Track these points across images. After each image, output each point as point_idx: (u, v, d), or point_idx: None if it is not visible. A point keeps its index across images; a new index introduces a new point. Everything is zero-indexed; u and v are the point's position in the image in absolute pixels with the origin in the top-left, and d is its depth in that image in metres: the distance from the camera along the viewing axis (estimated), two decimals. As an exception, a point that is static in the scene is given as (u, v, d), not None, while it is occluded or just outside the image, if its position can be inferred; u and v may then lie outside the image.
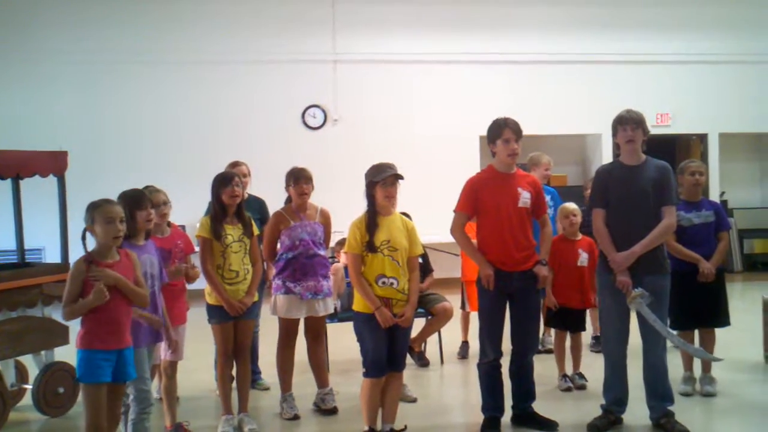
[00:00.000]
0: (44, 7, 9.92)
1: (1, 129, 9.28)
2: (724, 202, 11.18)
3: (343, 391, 5.21)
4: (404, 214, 4.49)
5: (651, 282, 4.33)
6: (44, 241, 8.37)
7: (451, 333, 6.39)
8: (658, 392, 4.44)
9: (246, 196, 5.06)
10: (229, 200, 4.56)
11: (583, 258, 5.38)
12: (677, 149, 11.92)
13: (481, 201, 4.43)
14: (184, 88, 10.18)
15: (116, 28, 9.96)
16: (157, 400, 4.52)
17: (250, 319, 4.72)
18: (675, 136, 11.58)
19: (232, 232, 4.57)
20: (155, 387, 4.43)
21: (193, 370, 5.52)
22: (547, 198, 5.58)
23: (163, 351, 4.39)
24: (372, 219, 4.19)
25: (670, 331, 4.44)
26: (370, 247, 4.14)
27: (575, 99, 10.81)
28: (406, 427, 4.36)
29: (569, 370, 5.47)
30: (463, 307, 6.41)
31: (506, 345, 4.50)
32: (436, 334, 6.15)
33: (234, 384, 4.79)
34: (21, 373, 5.22)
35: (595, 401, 4.73)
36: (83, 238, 3.53)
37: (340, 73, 10.48)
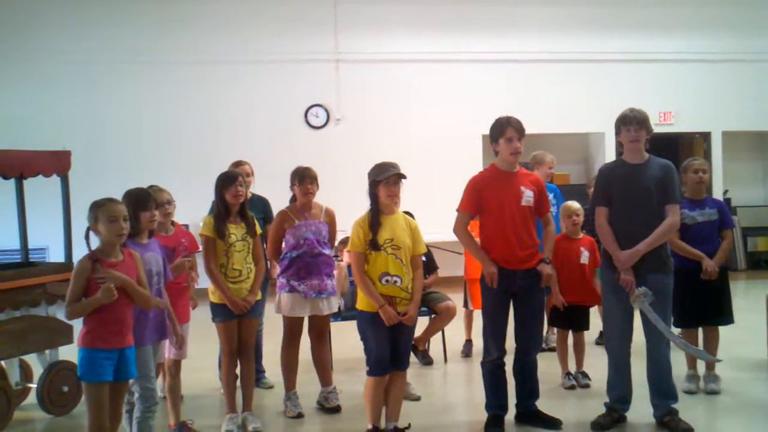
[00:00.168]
0: (44, 7, 9.93)
1: (2, 129, 9.30)
2: (728, 201, 11.18)
3: (347, 390, 5.22)
4: (407, 213, 4.49)
5: (654, 280, 4.33)
6: (48, 241, 8.40)
7: (455, 331, 6.39)
8: (662, 390, 4.44)
9: (249, 195, 5.07)
10: (233, 200, 4.57)
11: (585, 256, 5.39)
12: (680, 148, 11.92)
13: (484, 200, 4.43)
14: (186, 88, 10.18)
15: (116, 28, 9.97)
16: (161, 399, 4.53)
17: (254, 318, 4.73)
18: (678, 135, 11.58)
19: (236, 232, 4.58)
20: (159, 386, 4.43)
21: (197, 369, 5.53)
22: (550, 196, 5.58)
23: (167, 350, 4.40)
24: (375, 218, 4.20)
25: (672, 331, 4.43)
26: (374, 245, 4.14)
27: (578, 98, 10.81)
28: (409, 425, 4.36)
29: (572, 368, 5.48)
30: (466, 305, 6.41)
31: (510, 343, 4.50)
32: (439, 333, 6.15)
33: (238, 383, 4.80)
34: (25, 372, 5.23)
35: (598, 399, 4.73)
36: (87, 237, 3.53)
37: (342, 73, 10.48)
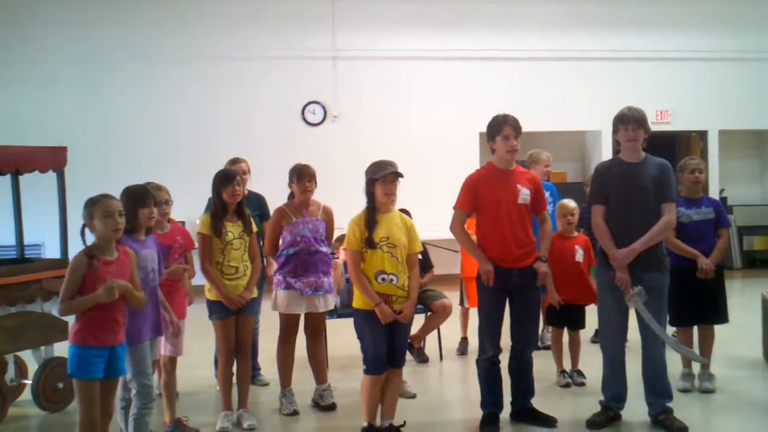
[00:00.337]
0: (44, 7, 9.90)
1: (2, 128, 9.26)
2: (724, 199, 11.18)
3: (342, 387, 5.22)
4: (403, 211, 4.49)
5: (650, 279, 4.34)
6: (44, 237, 8.36)
7: (451, 329, 6.39)
8: (657, 388, 4.45)
9: (245, 192, 5.06)
10: (230, 199, 4.56)
11: (580, 254, 5.39)
12: (677, 146, 11.93)
13: (480, 198, 4.43)
14: (184, 85, 10.16)
15: (116, 27, 9.94)
16: (156, 396, 4.52)
17: (250, 316, 4.73)
18: (675, 133, 11.59)
19: (233, 230, 4.58)
20: (155, 383, 4.43)
21: (192, 366, 5.52)
22: (547, 194, 5.57)
23: (162, 346, 4.40)
24: (371, 216, 4.19)
25: (665, 331, 4.44)
26: (369, 243, 4.14)
27: (575, 96, 10.80)
28: (405, 422, 4.37)
29: (568, 366, 5.48)
30: (462, 303, 6.42)
31: (505, 341, 4.51)
32: (435, 331, 6.16)
33: (234, 380, 4.79)
34: (20, 368, 5.22)
35: (594, 397, 4.74)
36: (82, 233, 3.53)
37: (339, 70, 10.47)
